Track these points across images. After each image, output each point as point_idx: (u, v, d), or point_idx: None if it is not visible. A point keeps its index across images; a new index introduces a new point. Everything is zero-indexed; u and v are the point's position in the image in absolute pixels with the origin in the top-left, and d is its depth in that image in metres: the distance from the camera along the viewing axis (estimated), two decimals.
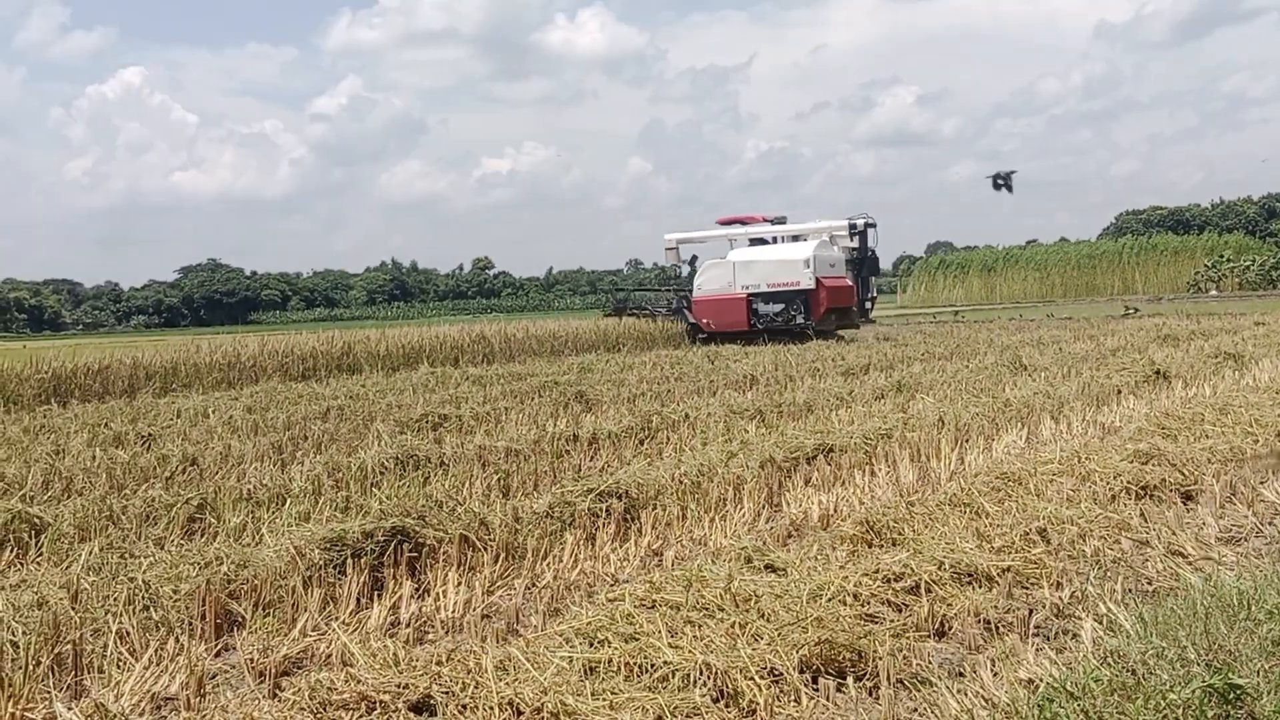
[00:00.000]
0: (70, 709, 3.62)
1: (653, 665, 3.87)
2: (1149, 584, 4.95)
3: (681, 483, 7.06)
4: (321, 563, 5.24)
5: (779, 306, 26.94)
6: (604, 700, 3.59)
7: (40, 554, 5.92)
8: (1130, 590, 4.81)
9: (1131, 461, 7.20)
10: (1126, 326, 26.40)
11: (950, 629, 4.45)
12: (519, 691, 3.59)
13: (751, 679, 3.74)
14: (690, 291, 29.01)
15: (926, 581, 4.78)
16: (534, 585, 5.30)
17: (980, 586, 4.87)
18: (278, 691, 3.90)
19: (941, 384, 13.19)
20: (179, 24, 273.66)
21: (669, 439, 9.38)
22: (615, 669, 3.88)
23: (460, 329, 23.47)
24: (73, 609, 4.65)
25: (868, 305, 30.20)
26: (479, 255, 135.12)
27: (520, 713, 3.52)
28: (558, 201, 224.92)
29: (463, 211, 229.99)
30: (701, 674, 3.78)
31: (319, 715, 3.52)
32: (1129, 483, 6.70)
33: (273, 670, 4.11)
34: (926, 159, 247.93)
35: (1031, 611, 4.59)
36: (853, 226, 29.73)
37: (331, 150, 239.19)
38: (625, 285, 39.37)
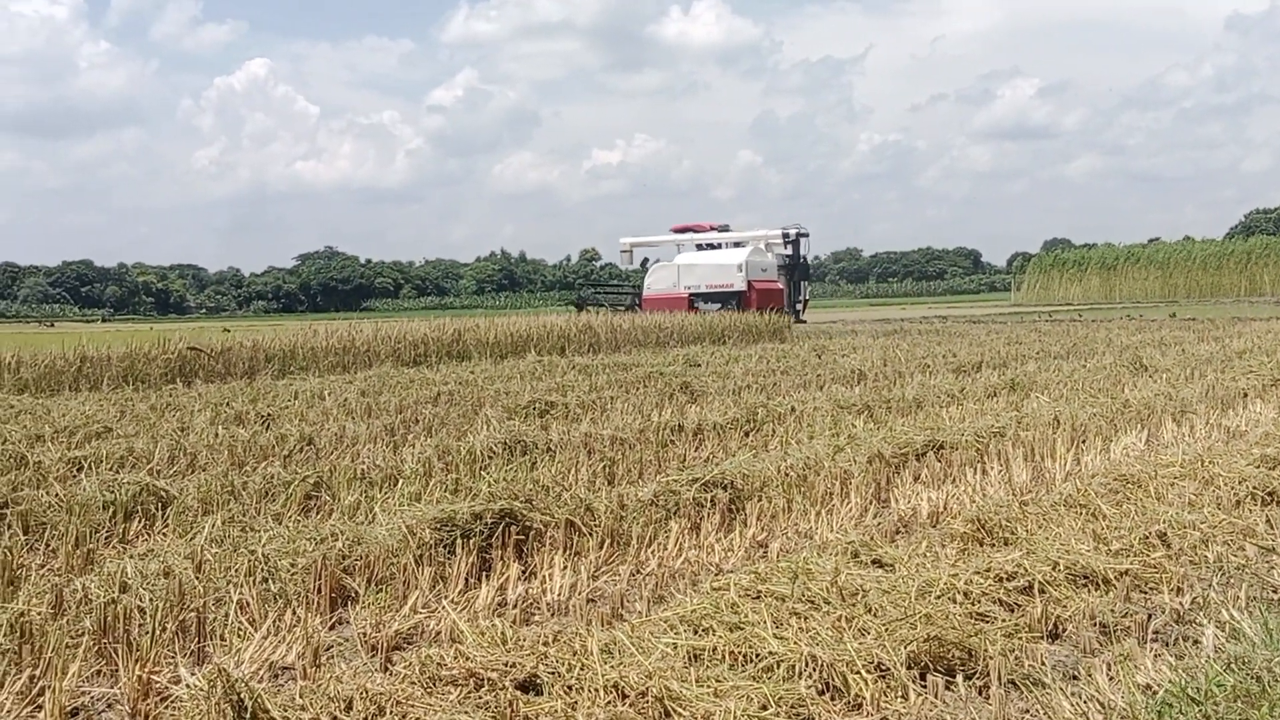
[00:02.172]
0: (193, 673, 3.75)
1: (757, 655, 3.86)
2: (1274, 591, 4.76)
3: (787, 475, 7.02)
4: (432, 542, 5.34)
5: (716, 306, 29.44)
6: (708, 687, 3.59)
7: (166, 525, 6.16)
8: (1255, 598, 4.64)
9: (1258, 466, 6.93)
10: (1254, 329, 25.38)
11: (1064, 631, 4.34)
12: (624, 675, 3.61)
13: (858, 673, 3.70)
14: (641, 290, 32.54)
15: (1040, 582, 4.67)
16: (638, 572, 5.33)
17: (1096, 589, 4.74)
18: (389, 665, 4.00)
19: (1057, 383, 12.87)
20: (303, 17, 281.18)
21: (775, 432, 9.33)
22: (720, 657, 3.88)
23: (567, 319, 23.68)
24: (196, 578, 4.82)
25: (799, 307, 32.84)
26: (587, 246, 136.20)
27: (625, 696, 3.54)
28: (667, 193, 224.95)
29: (573, 203, 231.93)
30: (807, 666, 3.75)
31: (429, 690, 3.59)
32: (1255, 488, 6.45)
33: (385, 644, 4.22)
34: (1047, 152, 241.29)
35: (1150, 616, 4.45)
36: (786, 235, 33.04)
37: (447, 141, 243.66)
38: (584, 284, 43.84)
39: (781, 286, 32.14)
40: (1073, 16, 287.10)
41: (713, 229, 34.94)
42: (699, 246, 33.88)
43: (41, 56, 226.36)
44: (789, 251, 33.11)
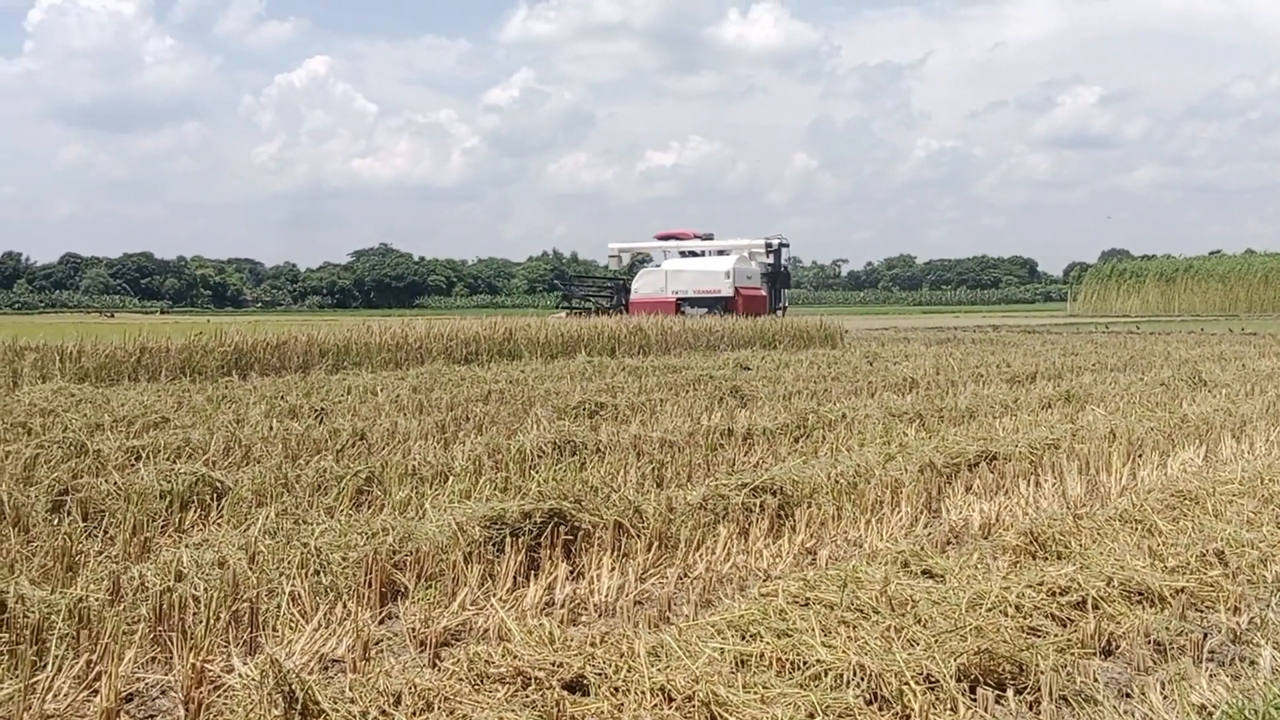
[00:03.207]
0: (246, 663, 3.80)
1: (805, 662, 3.83)
2: None
3: (837, 483, 6.98)
4: (481, 539, 5.37)
5: (703, 310, 30.33)
6: (755, 693, 3.57)
7: (221, 516, 6.25)
8: None
9: None
10: None
11: (1118, 648, 4.28)
12: (670, 678, 3.61)
13: (907, 684, 3.67)
14: (628, 293, 33.73)
15: (1093, 597, 4.60)
16: (686, 575, 5.32)
17: (1151, 606, 4.66)
18: (438, 661, 4.03)
19: (1113, 396, 12.68)
20: (363, 16, 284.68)
21: (825, 438, 9.27)
22: (767, 663, 3.86)
23: (617, 320, 23.72)
24: (250, 569, 4.89)
25: (779, 313, 33.80)
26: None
27: (671, 699, 3.53)
28: (720, 195, 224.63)
29: (625, 204, 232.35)
30: (855, 675, 3.73)
31: (477, 687, 3.61)
32: None
33: (433, 640, 4.25)
34: (1108, 162, 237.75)
35: (1206, 635, 4.37)
36: (769, 245, 34.64)
37: (502, 141, 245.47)
38: (571, 284, 44.77)
39: (765, 293, 33.59)
40: (1136, 26, 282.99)
41: (696, 237, 36.42)
42: (683, 253, 35.33)
43: (109, 52, 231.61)
44: (770, 260, 34.58)
